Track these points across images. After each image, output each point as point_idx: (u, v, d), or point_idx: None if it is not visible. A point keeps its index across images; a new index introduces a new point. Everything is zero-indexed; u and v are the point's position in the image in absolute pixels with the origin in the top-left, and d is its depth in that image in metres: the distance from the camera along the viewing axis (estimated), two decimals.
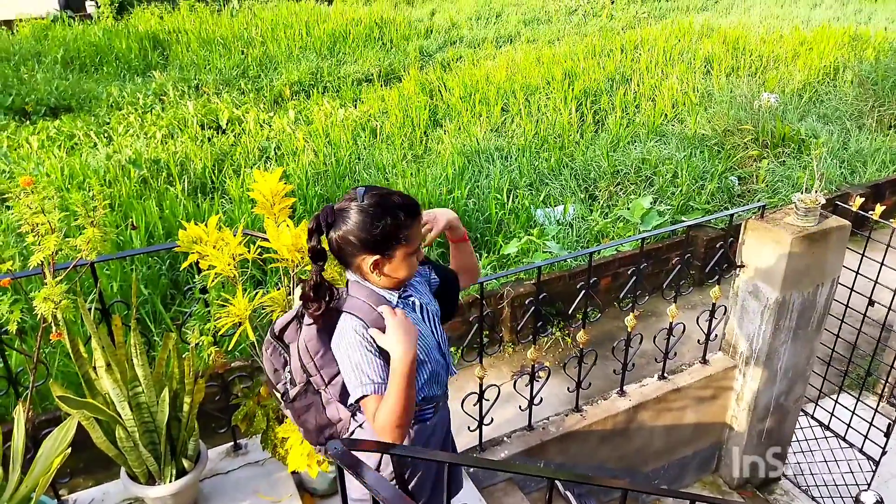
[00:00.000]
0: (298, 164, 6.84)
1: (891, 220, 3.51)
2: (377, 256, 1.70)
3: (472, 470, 3.20)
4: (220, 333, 2.14)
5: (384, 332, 1.69)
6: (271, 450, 2.49)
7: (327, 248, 1.74)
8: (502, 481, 3.42)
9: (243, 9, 14.54)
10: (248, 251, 2.24)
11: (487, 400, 3.24)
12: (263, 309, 2.38)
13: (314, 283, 1.71)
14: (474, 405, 3.21)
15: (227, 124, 8.40)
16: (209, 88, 9.92)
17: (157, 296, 4.90)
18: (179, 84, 10.04)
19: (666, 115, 8.27)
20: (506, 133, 8.21)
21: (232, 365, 3.91)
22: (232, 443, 2.91)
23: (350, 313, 1.72)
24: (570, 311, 3.46)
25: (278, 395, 1.93)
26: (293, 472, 2.52)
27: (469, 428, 3.30)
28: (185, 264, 2.27)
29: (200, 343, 2.34)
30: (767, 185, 6.61)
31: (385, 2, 15.99)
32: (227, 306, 2.17)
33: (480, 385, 3.20)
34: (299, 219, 6.00)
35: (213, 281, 2.15)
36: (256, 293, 2.35)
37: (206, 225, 2.22)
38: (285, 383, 1.90)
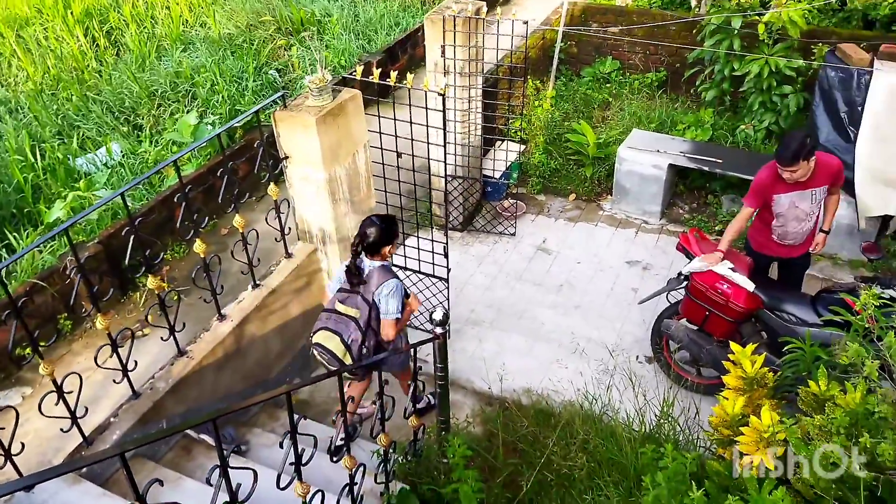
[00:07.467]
0: None
1: (404, 82, 3.89)
2: (391, 245, 3.31)
3: (84, 470, 2.85)
4: None
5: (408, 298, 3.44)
6: None
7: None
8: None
9: None
10: None
11: (71, 392, 2.86)
12: None
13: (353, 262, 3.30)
14: (56, 405, 2.80)
15: None
16: None
17: None
18: None
19: (186, 20, 7.80)
20: (5, 82, 6.82)
21: None
22: None
23: (397, 278, 3.33)
24: (127, 262, 3.13)
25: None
26: None
27: (63, 429, 2.90)
28: None
29: None
30: (304, 72, 6.86)
31: None
32: None
33: (54, 381, 2.78)
34: None
35: None
36: None
37: None
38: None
